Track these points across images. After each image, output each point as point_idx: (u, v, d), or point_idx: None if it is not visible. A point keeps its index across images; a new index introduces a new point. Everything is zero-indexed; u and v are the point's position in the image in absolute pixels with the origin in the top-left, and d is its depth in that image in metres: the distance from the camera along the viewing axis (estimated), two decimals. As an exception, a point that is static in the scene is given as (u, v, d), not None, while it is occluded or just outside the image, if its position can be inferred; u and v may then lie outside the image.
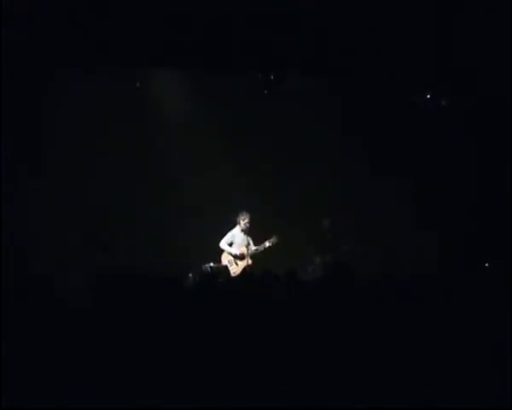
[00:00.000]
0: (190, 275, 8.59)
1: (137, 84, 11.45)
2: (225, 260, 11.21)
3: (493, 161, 11.33)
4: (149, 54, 10.01)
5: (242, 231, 11.15)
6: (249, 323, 4.97)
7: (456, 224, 11.62)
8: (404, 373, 4.24)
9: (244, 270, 10.55)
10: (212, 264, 10.90)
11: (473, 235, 11.27)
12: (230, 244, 11.21)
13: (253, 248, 11.08)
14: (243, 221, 11.07)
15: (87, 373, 4.34)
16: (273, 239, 11.00)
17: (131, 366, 4.46)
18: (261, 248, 11.04)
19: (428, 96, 11.61)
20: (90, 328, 4.70)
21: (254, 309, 5.22)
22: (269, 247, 11.02)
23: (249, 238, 11.12)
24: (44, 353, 4.44)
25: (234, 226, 11.25)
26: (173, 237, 11.50)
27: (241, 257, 11.15)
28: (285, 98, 11.60)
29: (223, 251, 11.23)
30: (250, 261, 11.11)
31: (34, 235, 10.26)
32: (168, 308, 5.10)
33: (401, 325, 4.75)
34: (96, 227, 10.96)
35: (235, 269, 11.12)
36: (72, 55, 9.65)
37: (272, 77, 11.20)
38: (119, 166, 11.43)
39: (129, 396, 4.22)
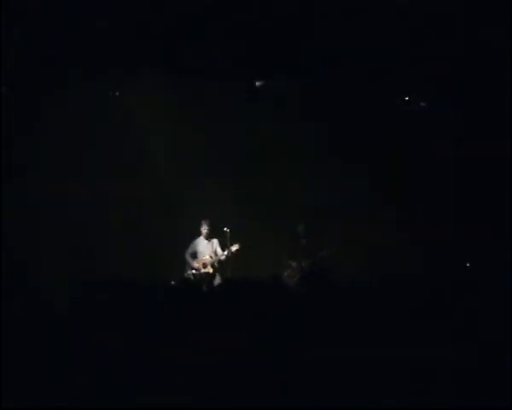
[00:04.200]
0: (173, 283, 8.47)
1: (116, 93, 11.74)
2: (189, 269, 11.75)
3: (485, 162, 11.52)
4: (127, 60, 10.41)
5: (206, 239, 11.73)
6: (234, 329, 4.96)
7: (442, 224, 11.77)
8: (401, 374, 4.33)
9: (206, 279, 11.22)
10: (194, 271, 11.51)
11: (459, 234, 11.48)
12: (194, 253, 11.77)
13: (219, 254, 11.61)
14: (203, 229, 11.66)
15: (77, 381, 4.45)
16: (234, 246, 11.42)
17: (120, 371, 4.56)
18: (223, 255, 11.52)
19: (407, 99, 11.86)
20: (78, 335, 4.81)
21: (239, 315, 5.24)
22: (231, 254, 11.39)
23: (215, 244, 11.68)
24: (33, 359, 4.57)
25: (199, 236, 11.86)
26: (155, 245, 11.96)
27: (202, 267, 11.68)
28: (266, 102, 12.01)
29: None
30: (211, 270, 11.65)
31: (19, 245, 10.56)
32: (151, 316, 5.14)
33: (387, 326, 4.86)
34: (80, 235, 11.34)
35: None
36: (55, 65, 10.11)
37: (258, 83, 11.56)
38: (103, 173, 11.83)
39: (121, 398, 4.35)
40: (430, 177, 12.11)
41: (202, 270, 11.60)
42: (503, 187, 10.67)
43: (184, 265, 11.76)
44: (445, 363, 4.25)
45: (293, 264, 11.73)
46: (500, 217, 10.65)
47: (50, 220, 11.33)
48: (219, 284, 10.06)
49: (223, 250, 11.64)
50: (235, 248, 11.45)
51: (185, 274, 11.40)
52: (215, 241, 11.74)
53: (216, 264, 11.71)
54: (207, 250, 11.76)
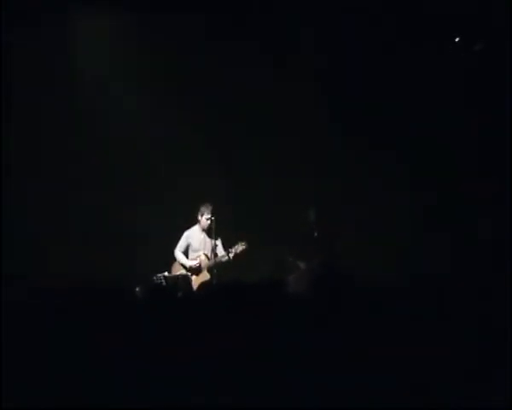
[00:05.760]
0: (138, 289, 7.33)
1: None
2: (177, 271, 9.71)
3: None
4: None
5: (203, 230, 9.68)
6: (219, 349, 4.43)
7: (471, 223, 10.91)
8: (402, 375, 4.27)
9: (199, 288, 9.06)
10: (166, 273, 9.51)
11: (488, 235, 10.71)
12: (186, 250, 9.79)
13: (219, 254, 9.56)
14: (203, 217, 9.65)
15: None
16: (240, 245, 9.51)
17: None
18: (225, 257, 9.47)
19: (457, 40, 10.89)
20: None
21: (227, 335, 4.56)
22: (236, 255, 9.48)
23: (216, 241, 9.58)
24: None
25: (194, 224, 9.92)
26: (116, 241, 10.49)
27: (195, 270, 9.65)
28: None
29: (175, 260, 9.88)
30: (207, 275, 9.55)
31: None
32: (110, 334, 4.60)
33: (404, 332, 4.62)
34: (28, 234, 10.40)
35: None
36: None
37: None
38: (53, 159, 10.70)
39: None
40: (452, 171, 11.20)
41: (193, 276, 9.55)
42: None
43: (153, 266, 9.71)
44: (446, 363, 4.36)
45: (302, 264, 10.02)
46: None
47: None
48: (200, 290, 7.71)
49: (225, 250, 9.57)
50: (240, 248, 9.43)
51: (154, 278, 9.31)
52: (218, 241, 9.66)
53: (214, 268, 9.51)
54: (205, 246, 9.67)
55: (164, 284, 9.15)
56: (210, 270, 9.56)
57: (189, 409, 4.13)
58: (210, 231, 9.57)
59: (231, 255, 9.38)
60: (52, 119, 10.55)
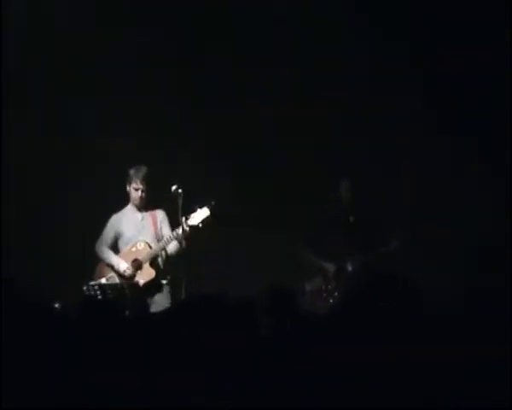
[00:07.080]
0: (57, 305, 5.92)
1: None
2: (105, 273, 7.52)
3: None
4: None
5: (135, 206, 7.47)
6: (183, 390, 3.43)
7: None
8: (402, 374, 3.80)
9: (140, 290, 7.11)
10: (103, 280, 7.34)
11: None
12: (115, 241, 7.56)
13: (167, 237, 7.38)
14: (131, 186, 7.37)
15: None
16: (199, 213, 7.23)
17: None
18: (179, 233, 7.19)
19: None
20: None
21: (199, 377, 3.51)
22: (193, 230, 7.21)
23: (159, 219, 7.43)
24: None
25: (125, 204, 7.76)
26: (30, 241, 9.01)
27: (132, 268, 7.43)
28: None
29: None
30: (152, 273, 7.27)
31: None
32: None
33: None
34: None
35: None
36: None
37: None
38: None
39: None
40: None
41: (127, 272, 7.32)
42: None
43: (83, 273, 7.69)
44: (446, 363, 3.96)
45: (329, 267, 7.98)
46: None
47: None
48: (164, 310, 5.59)
49: (174, 228, 7.35)
50: (200, 216, 7.10)
51: (85, 288, 7.18)
52: (160, 213, 7.42)
53: (161, 260, 7.42)
54: (143, 232, 7.44)
55: (100, 296, 6.86)
56: (153, 264, 7.26)
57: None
58: (146, 206, 7.37)
59: (179, 232, 6.95)
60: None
